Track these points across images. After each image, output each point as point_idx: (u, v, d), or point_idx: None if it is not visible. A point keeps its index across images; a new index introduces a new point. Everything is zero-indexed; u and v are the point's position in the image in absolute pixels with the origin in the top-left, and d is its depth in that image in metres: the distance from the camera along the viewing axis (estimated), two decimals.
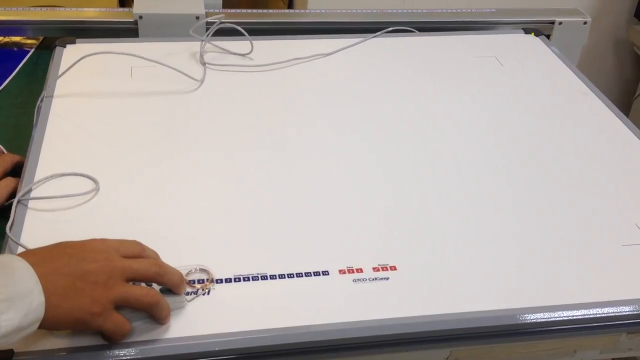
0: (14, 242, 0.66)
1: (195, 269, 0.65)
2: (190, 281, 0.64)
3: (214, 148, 0.83)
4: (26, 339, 0.55)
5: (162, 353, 0.58)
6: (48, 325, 0.54)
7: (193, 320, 0.60)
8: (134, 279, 0.59)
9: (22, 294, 0.52)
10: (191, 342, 0.58)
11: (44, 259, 0.56)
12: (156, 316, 0.59)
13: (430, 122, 0.91)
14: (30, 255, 0.56)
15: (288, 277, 0.65)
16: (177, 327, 0.60)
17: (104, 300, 0.56)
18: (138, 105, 0.90)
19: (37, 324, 0.53)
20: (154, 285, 0.60)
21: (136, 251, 0.61)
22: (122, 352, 0.57)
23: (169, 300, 0.60)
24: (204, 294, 0.63)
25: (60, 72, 0.93)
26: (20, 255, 0.56)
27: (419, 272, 0.67)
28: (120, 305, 0.57)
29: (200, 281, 0.64)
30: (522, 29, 1.17)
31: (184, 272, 0.63)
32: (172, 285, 0.60)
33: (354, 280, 0.66)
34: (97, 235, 0.61)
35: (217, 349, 0.58)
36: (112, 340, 0.57)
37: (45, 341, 0.57)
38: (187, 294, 0.62)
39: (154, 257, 0.62)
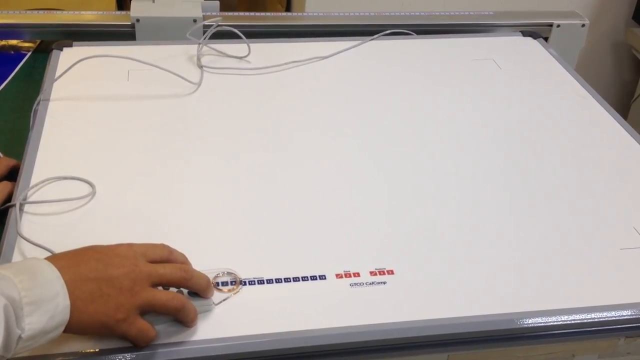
0: (32, 243, 0.66)
1: (223, 272, 0.65)
2: (217, 284, 0.64)
3: (211, 151, 0.83)
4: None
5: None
6: (73, 329, 0.55)
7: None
8: (160, 284, 0.59)
9: (48, 298, 0.52)
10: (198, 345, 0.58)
11: (71, 264, 0.56)
12: (182, 320, 0.59)
13: (428, 126, 0.91)
14: (58, 260, 0.56)
15: (285, 281, 0.65)
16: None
17: (129, 305, 0.56)
18: (135, 108, 0.90)
19: (62, 328, 0.54)
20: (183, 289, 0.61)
21: (164, 255, 0.61)
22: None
23: (197, 303, 0.60)
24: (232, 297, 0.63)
25: (57, 76, 0.93)
26: (47, 259, 0.56)
27: (416, 276, 0.67)
28: (148, 312, 0.58)
29: (225, 284, 0.64)
30: (520, 31, 1.17)
31: (211, 276, 0.63)
32: (198, 289, 0.61)
33: (351, 285, 0.65)
34: (94, 239, 0.61)
35: (212, 354, 0.58)
36: (136, 345, 0.57)
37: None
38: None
39: (182, 260, 0.63)
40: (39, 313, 0.52)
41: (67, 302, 0.53)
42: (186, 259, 0.63)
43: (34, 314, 0.51)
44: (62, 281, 0.54)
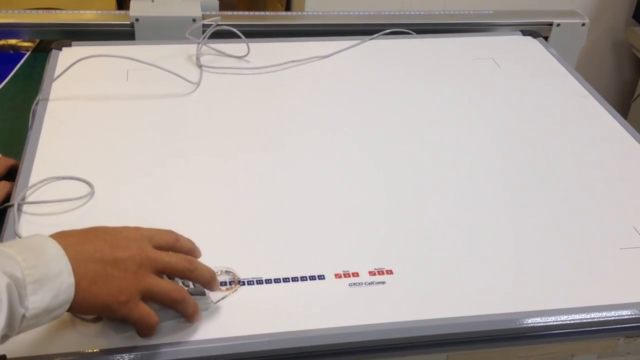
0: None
1: (221, 271, 0.65)
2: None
3: (210, 151, 0.83)
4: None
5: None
6: (77, 308, 0.54)
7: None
8: (164, 272, 0.59)
9: (52, 276, 0.52)
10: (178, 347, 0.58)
11: (77, 242, 0.56)
12: (182, 313, 0.59)
13: (427, 125, 0.91)
14: (64, 237, 0.56)
15: (283, 281, 0.65)
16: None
17: (132, 289, 0.56)
18: (134, 108, 0.90)
19: (67, 306, 0.53)
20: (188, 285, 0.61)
21: (170, 240, 0.61)
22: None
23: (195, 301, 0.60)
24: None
25: (56, 75, 0.93)
26: (53, 236, 0.56)
27: (415, 276, 0.67)
28: (149, 298, 0.57)
29: (224, 283, 0.64)
30: (520, 30, 1.17)
31: None
32: (202, 281, 0.61)
33: (350, 285, 0.65)
34: None
35: (211, 354, 0.58)
36: (139, 331, 0.58)
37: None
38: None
39: (189, 246, 0.63)
40: (42, 291, 0.51)
41: (72, 279, 0.53)
42: (194, 244, 0.63)
43: (37, 292, 0.51)
44: (66, 259, 0.53)
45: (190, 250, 0.62)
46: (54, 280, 0.52)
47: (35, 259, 0.52)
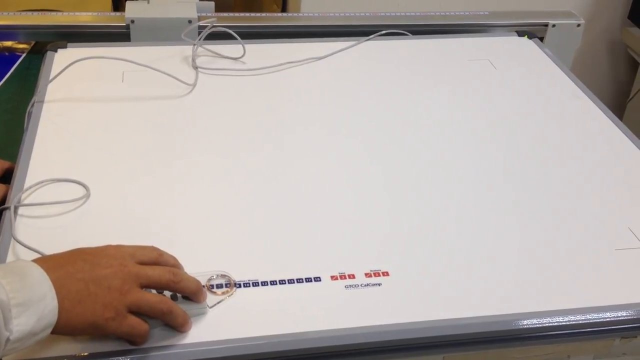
0: (26, 246, 0.66)
1: (217, 275, 0.65)
2: (211, 286, 0.63)
3: (206, 153, 0.83)
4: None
5: None
6: (62, 330, 0.55)
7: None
8: (148, 286, 0.59)
9: (36, 299, 0.52)
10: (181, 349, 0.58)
11: (58, 265, 0.56)
12: (171, 324, 0.59)
13: (423, 126, 0.91)
14: (45, 261, 0.56)
15: (279, 283, 0.65)
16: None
17: (117, 304, 0.56)
18: (130, 110, 0.90)
19: (50, 329, 0.54)
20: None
21: (153, 257, 0.61)
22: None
23: (191, 307, 0.60)
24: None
25: (51, 77, 0.92)
26: (35, 260, 0.56)
27: (411, 277, 0.67)
28: (136, 312, 0.57)
29: (219, 286, 0.64)
30: (516, 31, 1.17)
31: (205, 278, 0.63)
32: (188, 292, 0.60)
33: (346, 287, 0.65)
34: (88, 241, 0.61)
35: (206, 357, 0.58)
36: (132, 342, 0.57)
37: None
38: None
39: (172, 263, 0.62)
40: (27, 315, 0.51)
41: (55, 303, 0.53)
42: (177, 261, 0.63)
43: (22, 315, 0.51)
44: (49, 283, 0.54)
45: (173, 266, 0.62)
46: (38, 303, 0.52)
47: (20, 282, 0.52)
